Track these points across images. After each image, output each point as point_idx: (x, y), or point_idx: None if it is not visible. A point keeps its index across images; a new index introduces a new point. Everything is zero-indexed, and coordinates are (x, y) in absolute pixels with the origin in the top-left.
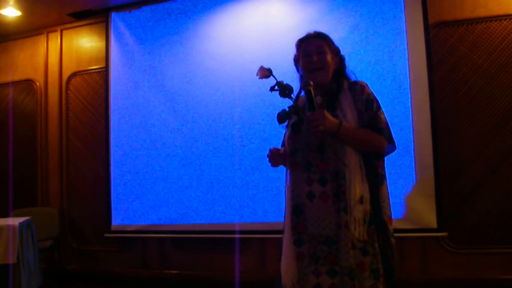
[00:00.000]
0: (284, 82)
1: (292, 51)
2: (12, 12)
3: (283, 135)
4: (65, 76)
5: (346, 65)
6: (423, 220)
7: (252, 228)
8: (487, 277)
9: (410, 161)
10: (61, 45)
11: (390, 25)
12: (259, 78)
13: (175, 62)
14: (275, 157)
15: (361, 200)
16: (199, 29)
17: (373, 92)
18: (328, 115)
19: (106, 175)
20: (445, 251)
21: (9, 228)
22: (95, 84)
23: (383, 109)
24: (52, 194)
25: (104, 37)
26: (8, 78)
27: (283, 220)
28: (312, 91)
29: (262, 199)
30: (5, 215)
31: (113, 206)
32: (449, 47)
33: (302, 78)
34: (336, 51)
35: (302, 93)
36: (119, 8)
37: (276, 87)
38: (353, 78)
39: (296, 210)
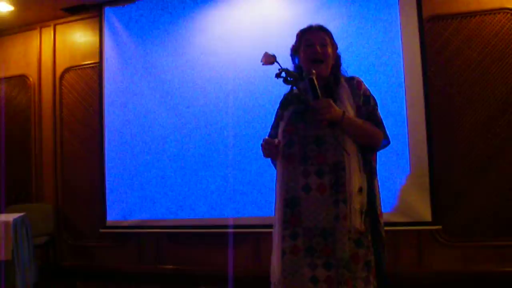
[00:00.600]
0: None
1: (286, 45)
2: (5, 7)
3: (270, 127)
4: (58, 71)
5: (341, 62)
6: (418, 213)
7: (247, 222)
8: (481, 270)
9: (404, 154)
10: (55, 40)
11: (384, 19)
12: (262, 64)
13: (169, 56)
14: (271, 148)
15: (360, 191)
16: (193, 24)
17: (369, 89)
18: (333, 104)
19: (100, 170)
20: (439, 244)
21: (3, 225)
22: (89, 80)
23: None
24: (47, 190)
25: (97, 32)
26: (1, 73)
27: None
28: (315, 80)
29: (256, 193)
30: None
31: (108, 201)
32: (443, 41)
33: (298, 68)
34: (335, 46)
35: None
36: (112, 2)
37: (283, 74)
38: (346, 75)
39: (291, 203)
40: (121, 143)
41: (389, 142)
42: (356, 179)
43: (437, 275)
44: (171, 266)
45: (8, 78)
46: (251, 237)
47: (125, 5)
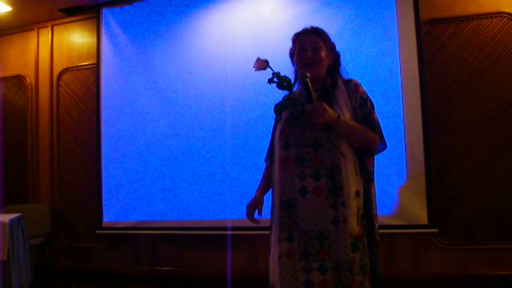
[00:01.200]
0: (282, 74)
1: (284, 47)
2: (2, 8)
3: (271, 131)
4: (56, 72)
5: (341, 62)
6: (414, 216)
7: (243, 224)
8: (477, 273)
9: (401, 157)
10: (52, 41)
11: (381, 22)
12: (255, 70)
13: (167, 58)
14: (249, 213)
15: (357, 195)
16: (190, 25)
17: (367, 91)
18: (327, 107)
19: (97, 171)
20: (435, 247)
21: None
22: (86, 80)
23: (375, 108)
24: (43, 190)
25: (95, 33)
26: None
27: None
28: (309, 83)
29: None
30: None
31: (104, 202)
32: (440, 44)
33: (297, 72)
34: (331, 47)
35: (296, 86)
36: (110, 4)
37: (275, 79)
38: (346, 75)
39: (287, 206)
40: (117, 144)
41: (386, 146)
42: (353, 183)
43: (433, 278)
44: (167, 268)
45: (6, 79)
46: (248, 239)
47: (123, 7)
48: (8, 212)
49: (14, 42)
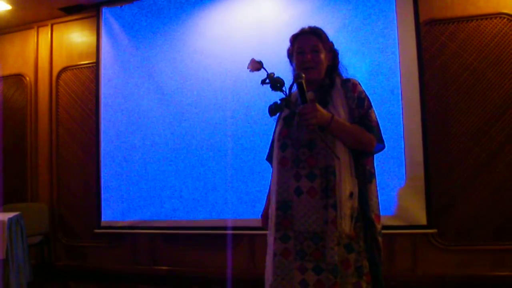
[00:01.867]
0: (275, 75)
1: (284, 47)
2: (2, 6)
3: (273, 132)
4: (55, 71)
5: (340, 60)
6: (413, 217)
7: (242, 224)
8: (476, 274)
9: (400, 158)
10: (52, 39)
11: (381, 22)
12: (250, 71)
13: (166, 57)
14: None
15: (350, 196)
16: (190, 25)
17: (365, 91)
18: (319, 108)
19: (96, 170)
20: (434, 248)
21: None
22: (85, 79)
23: (374, 107)
24: (42, 189)
25: (95, 32)
26: None
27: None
28: (304, 84)
29: (252, 195)
30: None
31: (103, 201)
32: (439, 45)
33: (295, 72)
34: (329, 47)
35: (295, 87)
36: (110, 3)
37: (267, 80)
38: (345, 73)
39: (283, 206)
40: (116, 143)
41: (384, 146)
42: (346, 184)
43: (432, 278)
44: (165, 267)
45: (5, 77)
46: (247, 239)
47: (123, 6)
48: (7, 211)
49: (14, 41)
